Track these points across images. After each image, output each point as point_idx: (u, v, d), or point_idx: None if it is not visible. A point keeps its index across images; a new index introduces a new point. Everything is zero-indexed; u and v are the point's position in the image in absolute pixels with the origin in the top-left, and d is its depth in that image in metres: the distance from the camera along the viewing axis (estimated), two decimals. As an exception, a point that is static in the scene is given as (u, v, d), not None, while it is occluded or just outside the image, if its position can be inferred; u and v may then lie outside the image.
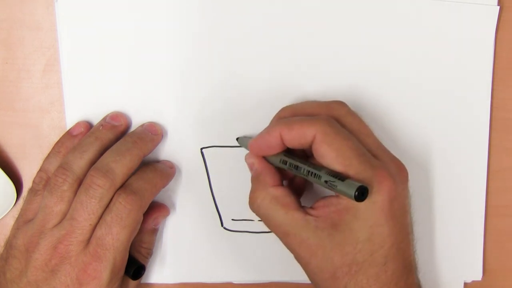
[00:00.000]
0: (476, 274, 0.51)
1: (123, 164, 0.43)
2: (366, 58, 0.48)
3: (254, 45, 0.47)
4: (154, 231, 0.48)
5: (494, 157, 0.50)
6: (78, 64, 0.47)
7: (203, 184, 0.49)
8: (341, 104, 0.44)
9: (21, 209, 0.45)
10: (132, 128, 0.48)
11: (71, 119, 0.48)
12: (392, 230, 0.40)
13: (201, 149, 0.48)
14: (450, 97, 0.49)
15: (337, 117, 0.43)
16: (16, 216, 0.45)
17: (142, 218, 0.44)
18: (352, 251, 0.40)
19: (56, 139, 0.47)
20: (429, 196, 0.50)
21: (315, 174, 0.41)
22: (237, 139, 0.48)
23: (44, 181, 0.45)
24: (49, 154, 0.46)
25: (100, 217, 0.42)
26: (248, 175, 0.45)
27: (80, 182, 0.43)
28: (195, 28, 0.47)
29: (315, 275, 0.42)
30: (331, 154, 0.40)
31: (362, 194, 0.38)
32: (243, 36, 0.47)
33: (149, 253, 0.48)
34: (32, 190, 0.45)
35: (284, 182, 0.45)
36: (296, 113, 0.44)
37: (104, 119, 0.47)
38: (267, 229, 0.43)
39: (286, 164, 0.43)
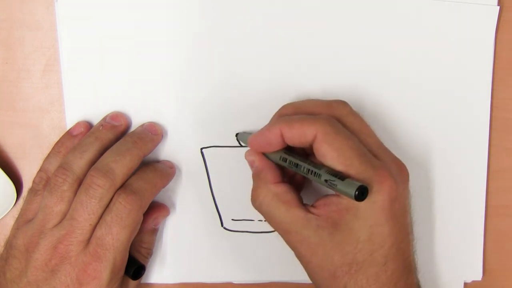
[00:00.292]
0: (476, 274, 0.51)
1: (123, 164, 0.43)
2: (366, 58, 0.48)
3: (254, 45, 0.47)
4: (154, 231, 0.48)
5: (494, 157, 0.50)
6: (78, 64, 0.47)
7: (203, 184, 0.49)
8: (343, 103, 0.44)
9: (21, 209, 0.45)
10: (132, 128, 0.48)
11: (71, 119, 0.48)
12: (392, 230, 0.40)
13: (201, 149, 0.48)
14: (450, 97, 0.49)
15: (339, 116, 0.43)
16: (16, 216, 0.45)
17: (142, 218, 0.44)
18: (352, 250, 0.40)
19: (56, 139, 0.47)
20: (429, 196, 0.50)
21: (315, 172, 0.41)
22: (236, 134, 0.48)
23: (44, 181, 0.45)
24: (49, 154, 0.46)
25: (100, 217, 0.42)
26: (248, 175, 0.45)
27: (80, 182, 0.43)
28: (195, 28, 0.47)
29: (315, 274, 0.42)
30: (332, 153, 0.40)
31: (362, 193, 0.38)
32: (243, 36, 0.47)
33: (149, 253, 0.48)
34: (32, 190, 0.45)
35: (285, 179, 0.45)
36: (297, 111, 0.44)
37: (104, 119, 0.47)
38: (267, 229, 0.43)
39: (286, 161, 0.43)
